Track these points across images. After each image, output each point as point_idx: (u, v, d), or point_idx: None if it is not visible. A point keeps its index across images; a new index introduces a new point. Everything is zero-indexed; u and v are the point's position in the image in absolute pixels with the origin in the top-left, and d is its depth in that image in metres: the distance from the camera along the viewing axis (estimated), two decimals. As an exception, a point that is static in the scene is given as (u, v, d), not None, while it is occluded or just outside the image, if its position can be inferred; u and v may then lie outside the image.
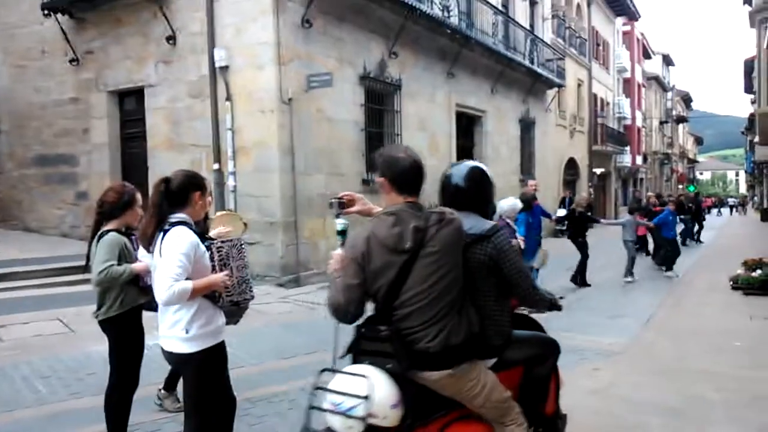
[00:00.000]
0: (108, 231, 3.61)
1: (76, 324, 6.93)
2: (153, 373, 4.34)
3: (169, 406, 4.32)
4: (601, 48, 30.10)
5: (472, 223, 2.41)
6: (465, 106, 15.52)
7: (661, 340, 6.46)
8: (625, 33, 35.41)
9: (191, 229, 2.82)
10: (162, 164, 10.70)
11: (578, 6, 26.46)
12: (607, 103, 31.45)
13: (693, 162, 76.00)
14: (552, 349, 2.70)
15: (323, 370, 2.28)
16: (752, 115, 48.37)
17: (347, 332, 2.42)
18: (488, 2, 15.94)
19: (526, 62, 17.98)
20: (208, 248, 2.87)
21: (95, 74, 11.60)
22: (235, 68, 9.86)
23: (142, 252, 2.97)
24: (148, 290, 3.73)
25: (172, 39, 10.36)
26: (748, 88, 37.77)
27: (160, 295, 2.61)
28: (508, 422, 2.36)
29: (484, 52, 15.63)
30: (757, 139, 14.58)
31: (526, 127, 19.58)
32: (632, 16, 34.64)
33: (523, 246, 7.27)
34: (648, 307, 8.37)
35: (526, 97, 19.40)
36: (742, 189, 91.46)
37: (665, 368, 5.37)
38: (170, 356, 2.90)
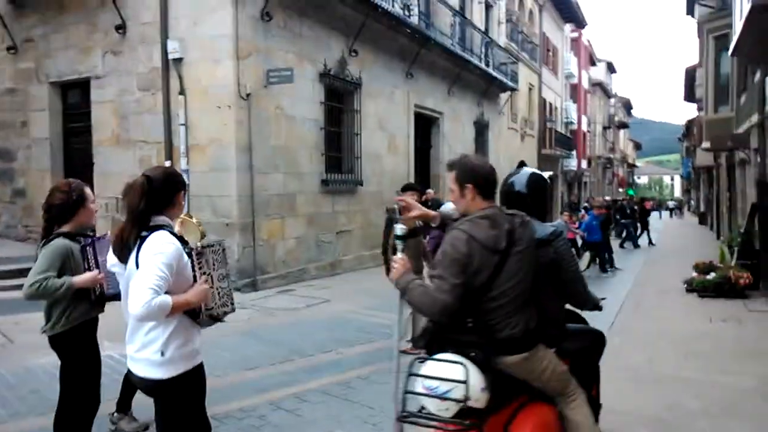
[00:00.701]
0: (58, 235, 3.23)
1: (14, 334, 6.37)
2: (104, 389, 3.95)
3: (126, 427, 3.94)
4: (550, 54, 30.69)
5: (535, 228, 2.60)
6: (423, 106, 15.41)
7: (629, 346, 6.44)
8: (573, 40, 36.26)
9: (173, 234, 2.48)
10: (108, 161, 10.12)
11: (530, 12, 26.87)
12: (556, 108, 32.10)
13: (632, 166, 78.81)
14: (601, 339, 3.04)
15: (417, 359, 2.50)
16: (689, 122, 50.50)
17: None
18: (447, 3, 15.91)
19: (482, 65, 18.05)
20: (188, 255, 2.51)
21: (35, 64, 10.85)
22: (189, 61, 9.37)
23: (112, 259, 2.58)
24: (102, 302, 3.37)
25: (121, 28, 9.78)
26: (689, 97, 39.39)
27: (135, 308, 2.23)
28: (569, 393, 2.63)
29: (442, 53, 15.57)
30: (705, 144, 15.03)
31: (481, 129, 19.68)
32: (580, 23, 35.50)
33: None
34: (608, 311, 8.41)
35: (481, 99, 19.50)
36: (677, 193, 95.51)
37: (640, 376, 5.32)
38: (141, 382, 2.52)
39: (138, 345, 2.47)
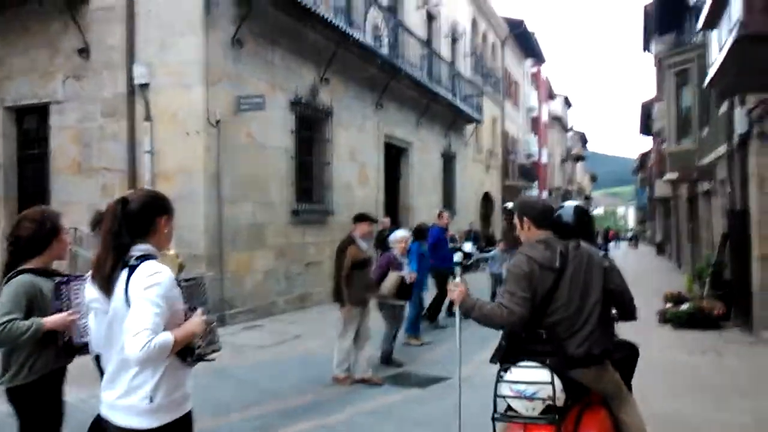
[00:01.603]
0: (22, 271, 2.86)
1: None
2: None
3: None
4: (512, 88, 31.30)
5: (592, 251, 3.04)
6: (393, 137, 15.34)
7: (616, 380, 6.29)
8: (533, 74, 37.14)
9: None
10: (68, 189, 9.60)
11: (493, 46, 27.40)
12: (518, 141, 32.62)
13: (588, 198, 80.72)
14: (637, 351, 3.39)
15: (505, 368, 2.84)
16: (643, 155, 52.14)
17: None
18: (415, 35, 16.00)
19: (449, 97, 18.17)
20: (178, 285, 2.25)
21: (-7, 87, 10.31)
22: (157, 86, 9.03)
23: (91, 294, 2.26)
24: (72, 352, 2.98)
25: (84, 52, 9.39)
26: (645, 130, 40.72)
27: (133, 352, 1.98)
28: (623, 395, 3.06)
29: (411, 84, 15.59)
30: (670, 176, 15.34)
31: (448, 160, 19.73)
32: (539, 58, 36.44)
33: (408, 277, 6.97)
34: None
35: (448, 131, 19.59)
36: (631, 223, 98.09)
37: (634, 412, 5.14)
38: None
39: (121, 390, 2.16)
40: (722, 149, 10.16)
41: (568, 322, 2.83)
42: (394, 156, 16.16)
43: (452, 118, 19.52)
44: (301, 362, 7.12)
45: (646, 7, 22.27)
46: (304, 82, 11.35)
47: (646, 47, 27.58)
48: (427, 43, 17.56)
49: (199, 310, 2.28)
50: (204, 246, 8.88)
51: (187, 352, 2.24)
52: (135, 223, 2.22)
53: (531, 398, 2.71)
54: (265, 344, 8.06)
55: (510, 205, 3.67)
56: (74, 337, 2.86)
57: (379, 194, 14.52)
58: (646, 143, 46.03)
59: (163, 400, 2.16)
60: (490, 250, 17.70)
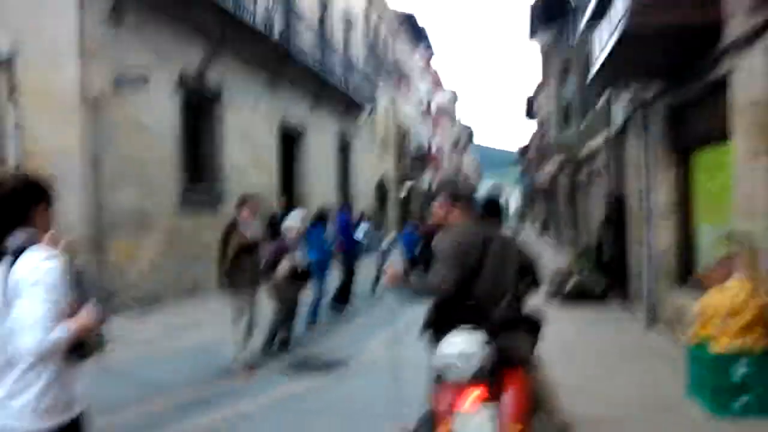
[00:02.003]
0: None
1: None
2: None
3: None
4: (404, 78, 31.70)
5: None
6: (287, 121, 14.95)
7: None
8: (423, 66, 37.84)
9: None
10: None
11: (386, 36, 27.55)
12: (409, 130, 33.16)
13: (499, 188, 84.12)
14: (541, 320, 3.53)
15: (438, 338, 3.14)
16: (523, 148, 54.99)
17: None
18: (307, 21, 15.67)
19: (344, 83, 18.03)
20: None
21: None
22: (24, 59, 8.10)
23: None
24: None
25: (-67, 15, 8.24)
26: (529, 116, 42.94)
27: (27, 346, 1.86)
28: (534, 360, 3.51)
29: (305, 68, 15.26)
30: (553, 164, 16.16)
31: (343, 147, 19.62)
32: (430, 50, 37.20)
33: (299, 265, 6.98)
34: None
35: (343, 117, 19.46)
36: (512, 211, 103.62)
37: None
38: None
39: (2, 392, 1.93)
40: (601, 139, 10.84)
41: (491, 295, 3.21)
42: (289, 141, 15.79)
43: (347, 105, 19.41)
44: (193, 354, 6.74)
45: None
46: (192, 60, 10.73)
47: (533, 35, 29.03)
48: (321, 30, 17.26)
49: (91, 302, 2.09)
50: (82, 233, 8.13)
51: (75, 348, 2.03)
52: (5, 211, 2.00)
53: (465, 362, 3.03)
54: (154, 336, 7.56)
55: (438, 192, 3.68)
56: None
57: (273, 179, 14.12)
58: (527, 135, 48.70)
59: (50, 402, 1.97)
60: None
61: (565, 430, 4.27)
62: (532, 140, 41.57)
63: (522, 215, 55.87)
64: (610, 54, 5.98)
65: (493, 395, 3.07)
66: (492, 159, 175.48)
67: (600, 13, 6.43)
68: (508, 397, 3.14)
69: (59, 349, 1.92)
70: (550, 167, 16.83)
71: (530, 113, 35.67)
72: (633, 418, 4.48)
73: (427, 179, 36.05)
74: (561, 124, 16.11)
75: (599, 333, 7.62)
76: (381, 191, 26.13)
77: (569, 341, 7.05)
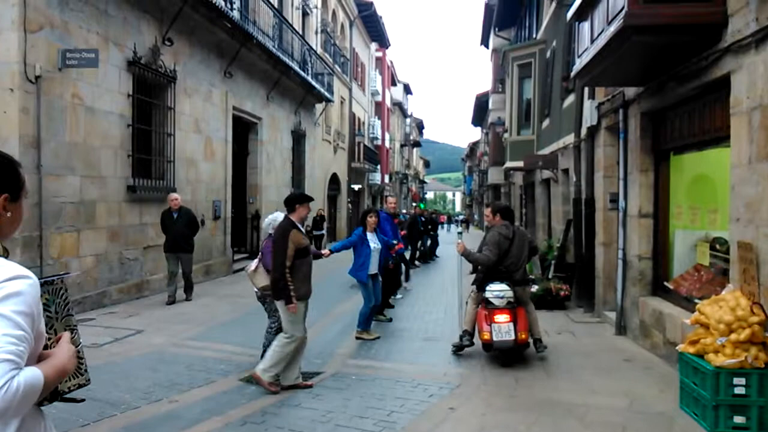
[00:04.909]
0: None
1: None
2: None
3: None
4: (359, 70, 31.21)
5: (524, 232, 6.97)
6: (242, 110, 14.26)
7: (489, 366, 6.22)
8: (378, 59, 37.43)
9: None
10: None
11: (342, 26, 27.00)
12: (363, 123, 32.72)
13: (423, 182, 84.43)
14: (532, 280, 7.87)
15: (485, 287, 6.29)
16: (473, 144, 55.35)
17: None
18: (268, 2, 15.01)
19: (301, 72, 17.42)
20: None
21: None
22: (-47, 27, 7.24)
23: None
24: None
25: None
26: (477, 120, 43.19)
27: None
28: (530, 302, 6.76)
29: (262, 54, 14.61)
30: (512, 164, 16.07)
31: (298, 139, 19.01)
32: (384, 43, 36.80)
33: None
34: (451, 326, 8.26)
35: (298, 108, 18.85)
36: (458, 208, 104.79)
37: (517, 402, 5.05)
38: None
39: None
40: (567, 139, 10.73)
41: (514, 265, 6.34)
42: (243, 130, 15.10)
43: (303, 95, 18.81)
44: (147, 363, 6.13)
45: (487, 2, 23.29)
46: (144, 40, 9.97)
47: (484, 42, 29.04)
48: (279, 13, 16.60)
49: (66, 334, 1.57)
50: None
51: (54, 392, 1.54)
52: None
53: (501, 298, 6.13)
54: (100, 342, 6.87)
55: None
56: None
57: (226, 171, 13.44)
58: (476, 133, 49.06)
59: None
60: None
61: (541, 339, 6.50)
62: (484, 138, 41.85)
63: (468, 218, 56.22)
64: (600, 52, 5.75)
65: (512, 317, 6.08)
66: (439, 155, 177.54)
67: (592, 3, 6.16)
68: (519, 319, 6.12)
69: (31, 400, 1.35)
70: (510, 167, 16.72)
71: (480, 114, 35.84)
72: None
73: (379, 174, 35.73)
74: (519, 124, 16.06)
75: (571, 342, 7.44)
76: (334, 186, 25.63)
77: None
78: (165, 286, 9.92)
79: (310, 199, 5.66)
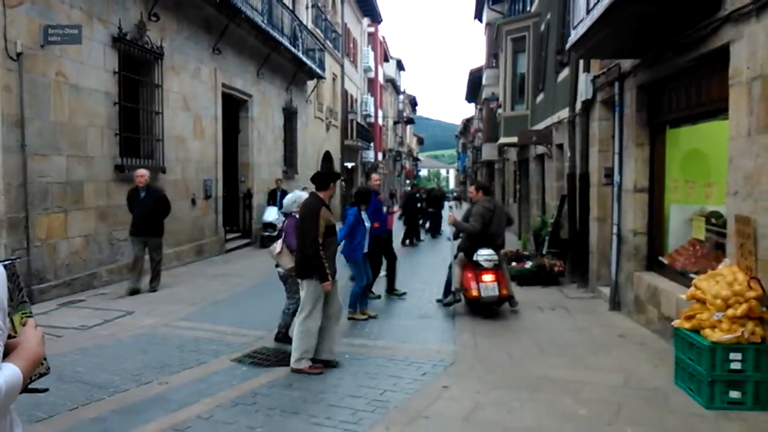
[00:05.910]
0: None
1: None
2: None
3: None
4: (351, 46, 30.79)
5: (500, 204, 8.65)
6: (232, 87, 14.03)
7: (482, 343, 6.19)
8: (370, 34, 36.92)
9: None
10: None
11: (333, 1, 26.55)
12: (356, 101, 32.39)
13: (416, 160, 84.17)
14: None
15: (474, 252, 7.47)
16: (466, 121, 55.02)
17: None
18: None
19: (292, 48, 17.12)
20: None
21: None
22: (-72, 2, 7.01)
23: None
24: None
25: None
26: (471, 97, 42.83)
27: None
28: (504, 262, 8.08)
29: (252, 30, 14.33)
30: (506, 139, 15.94)
31: (289, 116, 18.76)
32: (376, 18, 36.29)
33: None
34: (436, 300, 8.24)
35: (290, 85, 18.58)
36: (452, 185, 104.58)
37: (511, 379, 5.01)
38: None
39: None
40: (561, 114, 10.59)
41: (495, 233, 7.53)
42: (233, 108, 14.87)
43: (294, 72, 18.52)
44: (138, 345, 6.06)
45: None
46: (129, 15, 9.72)
47: (478, 15, 28.66)
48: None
49: (32, 320, 1.50)
50: (3, 208, 7.21)
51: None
52: None
53: (489, 260, 7.31)
54: (90, 324, 6.78)
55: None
56: None
57: (217, 149, 13.26)
58: (469, 110, 48.72)
59: None
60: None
61: (513, 296, 7.61)
62: (477, 114, 41.56)
63: (460, 194, 56.03)
64: (596, 23, 5.61)
65: (496, 276, 7.26)
66: (433, 131, 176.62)
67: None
68: (501, 278, 7.34)
69: (11, 400, 1.27)
70: (504, 143, 16.58)
71: (473, 90, 35.49)
72: (622, 409, 4.22)
73: (372, 151, 35.50)
74: (514, 98, 15.89)
75: (565, 318, 7.41)
76: (326, 164, 25.43)
77: (537, 329, 6.83)
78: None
79: (340, 176, 5.64)
